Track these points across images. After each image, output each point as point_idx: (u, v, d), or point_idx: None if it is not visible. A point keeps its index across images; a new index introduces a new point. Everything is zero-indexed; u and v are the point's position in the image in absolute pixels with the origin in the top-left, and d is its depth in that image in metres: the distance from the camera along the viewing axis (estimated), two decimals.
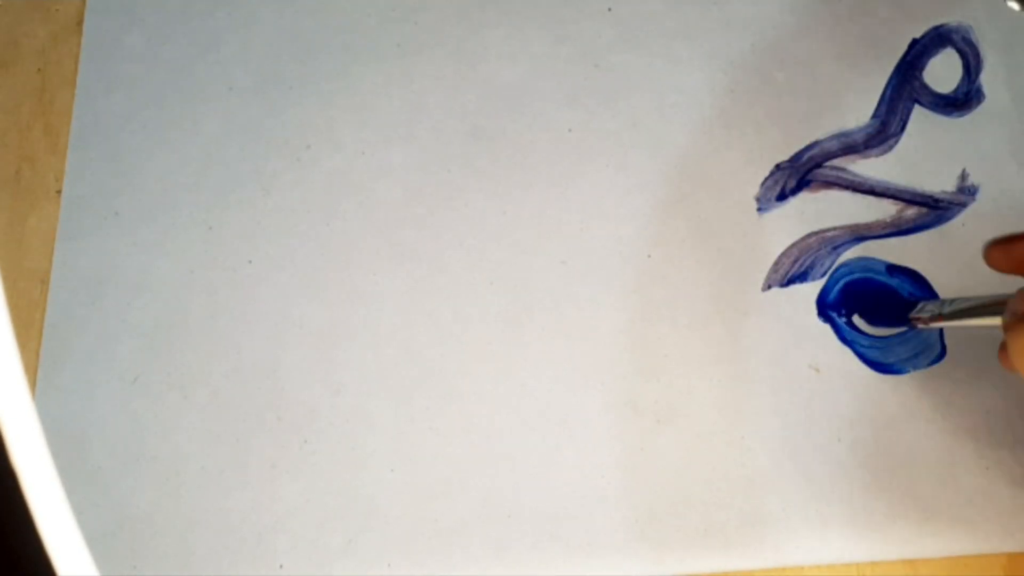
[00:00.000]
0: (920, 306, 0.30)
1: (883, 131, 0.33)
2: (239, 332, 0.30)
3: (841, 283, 0.31)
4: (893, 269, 0.31)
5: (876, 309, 0.31)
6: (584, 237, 0.31)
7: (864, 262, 0.31)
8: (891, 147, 0.33)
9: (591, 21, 0.34)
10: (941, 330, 0.31)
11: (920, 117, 0.33)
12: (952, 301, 0.29)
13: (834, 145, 0.33)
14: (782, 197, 0.32)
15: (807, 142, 0.33)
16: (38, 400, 0.29)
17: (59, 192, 0.31)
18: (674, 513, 0.28)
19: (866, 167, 0.32)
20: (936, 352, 0.30)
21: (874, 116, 0.33)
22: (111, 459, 0.28)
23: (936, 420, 0.29)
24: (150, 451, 0.29)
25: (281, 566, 0.27)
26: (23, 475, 0.14)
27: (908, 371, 0.30)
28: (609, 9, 0.34)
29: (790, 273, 0.31)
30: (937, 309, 0.29)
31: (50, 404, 0.29)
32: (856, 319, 0.31)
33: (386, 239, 0.31)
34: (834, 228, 0.32)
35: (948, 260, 0.31)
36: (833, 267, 0.31)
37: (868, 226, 0.32)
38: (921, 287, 0.31)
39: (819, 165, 0.32)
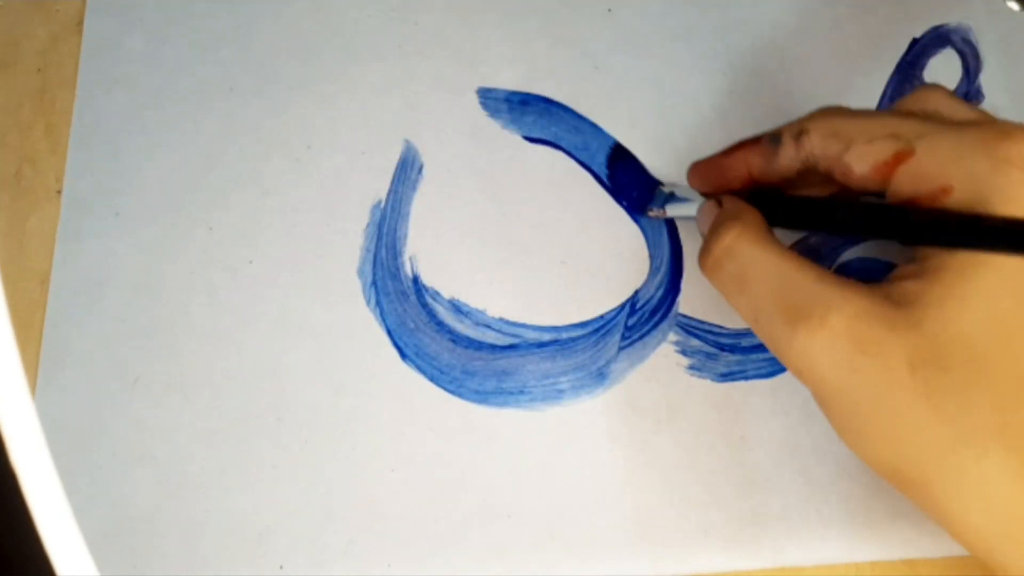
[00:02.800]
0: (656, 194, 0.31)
1: None
2: (240, 333, 0.30)
3: None
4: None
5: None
6: (584, 237, 0.31)
7: (865, 262, 0.31)
8: None
9: (591, 22, 0.34)
10: None
11: None
12: (672, 192, 0.31)
13: None
14: None
15: None
16: (38, 400, 0.29)
17: (59, 192, 0.31)
18: (674, 513, 0.28)
19: None
20: None
21: None
22: (111, 459, 0.28)
23: None
24: (150, 451, 0.29)
25: (281, 566, 0.28)
26: (23, 475, 0.14)
27: None
28: (609, 10, 0.34)
29: None
30: (663, 199, 0.30)
31: (50, 404, 0.29)
32: None
33: (386, 239, 0.31)
34: None
35: None
36: (833, 267, 0.31)
37: None
38: None
39: None
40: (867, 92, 0.33)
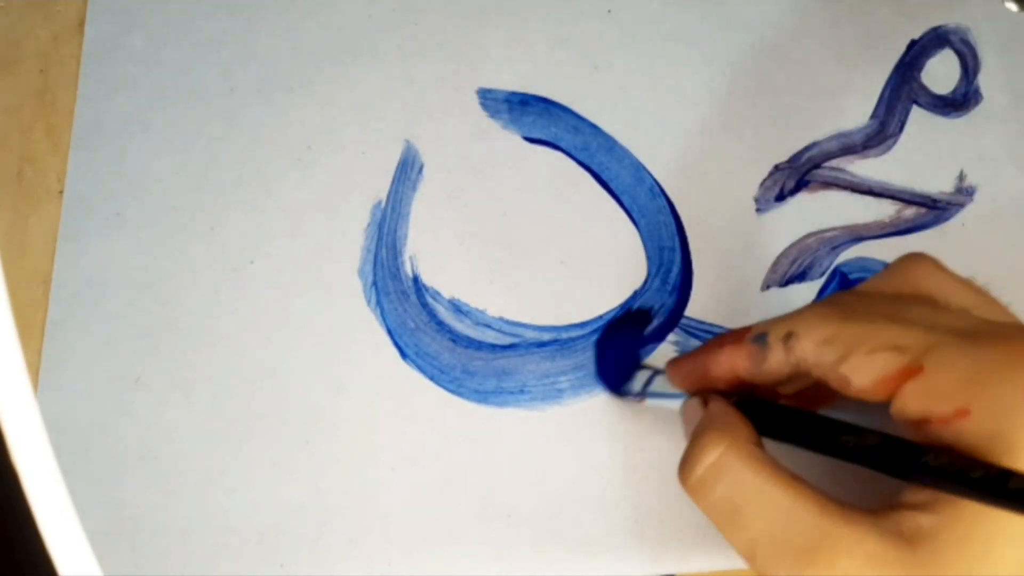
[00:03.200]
0: (636, 376, 0.28)
1: (882, 132, 0.33)
2: (241, 332, 0.30)
3: (839, 283, 0.31)
4: None
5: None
6: (584, 237, 0.31)
7: (862, 262, 0.31)
8: (889, 148, 0.33)
9: (591, 23, 0.34)
10: None
11: (918, 118, 0.33)
12: (655, 374, 0.28)
13: (833, 146, 0.33)
14: (781, 198, 0.32)
15: (806, 143, 0.33)
16: (40, 399, 0.29)
17: (61, 193, 0.31)
18: (674, 513, 0.28)
19: (865, 167, 0.33)
20: None
21: (873, 117, 0.33)
22: (113, 459, 0.28)
23: None
24: (152, 451, 0.29)
25: (282, 566, 0.28)
26: (25, 474, 0.14)
27: None
28: (609, 11, 0.34)
29: (789, 273, 0.31)
30: (644, 382, 0.28)
31: (52, 403, 0.29)
32: None
33: (387, 239, 0.31)
34: (833, 228, 0.32)
35: (946, 260, 0.31)
36: (831, 267, 0.31)
37: (867, 226, 0.32)
38: None
39: (818, 166, 0.32)
40: (866, 92, 0.33)
